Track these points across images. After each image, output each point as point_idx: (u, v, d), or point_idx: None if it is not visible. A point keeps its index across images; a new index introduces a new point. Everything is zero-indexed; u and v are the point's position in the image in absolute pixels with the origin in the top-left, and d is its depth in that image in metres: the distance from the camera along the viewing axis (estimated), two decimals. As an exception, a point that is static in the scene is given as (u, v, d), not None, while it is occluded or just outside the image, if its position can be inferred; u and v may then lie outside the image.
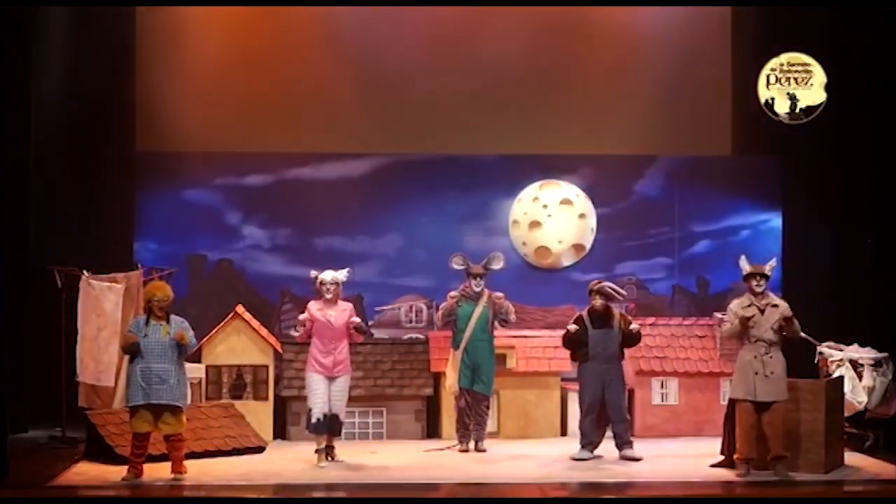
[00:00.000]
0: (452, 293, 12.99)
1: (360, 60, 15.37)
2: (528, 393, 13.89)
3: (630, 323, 12.58)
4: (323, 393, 12.16)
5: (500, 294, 13.00)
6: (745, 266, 11.76)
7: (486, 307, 12.90)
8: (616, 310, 12.61)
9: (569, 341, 12.57)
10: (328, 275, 12.35)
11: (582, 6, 15.30)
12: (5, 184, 11.80)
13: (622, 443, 12.48)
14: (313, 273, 12.41)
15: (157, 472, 11.49)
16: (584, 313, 12.55)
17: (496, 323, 13.03)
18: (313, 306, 12.36)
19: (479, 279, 12.89)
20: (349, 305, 12.46)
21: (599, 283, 12.64)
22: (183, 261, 14.62)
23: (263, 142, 15.26)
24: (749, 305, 11.68)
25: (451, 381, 12.90)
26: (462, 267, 12.94)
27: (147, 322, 11.43)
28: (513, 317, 13.08)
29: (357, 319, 12.38)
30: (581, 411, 12.61)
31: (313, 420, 12.14)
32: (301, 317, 12.37)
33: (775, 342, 11.60)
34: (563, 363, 13.81)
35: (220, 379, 13.57)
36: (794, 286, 14.98)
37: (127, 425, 11.62)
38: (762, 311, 11.63)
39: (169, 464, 11.51)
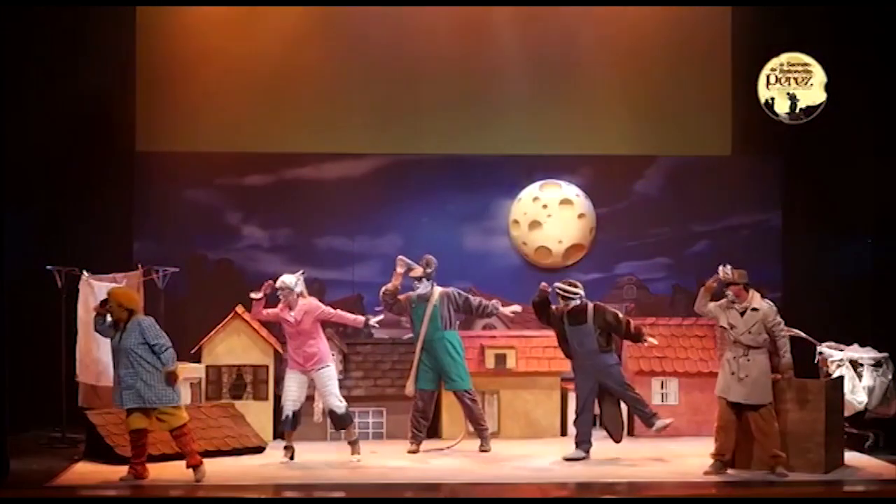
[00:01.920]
0: (397, 275, 12.99)
1: (360, 60, 15.35)
2: (528, 393, 13.90)
3: (607, 313, 12.44)
4: (294, 391, 12.28)
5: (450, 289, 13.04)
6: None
7: (437, 305, 12.92)
8: (590, 305, 12.52)
9: (538, 304, 12.56)
10: (279, 281, 12.34)
11: (582, 6, 15.28)
12: (5, 184, 11.80)
13: (647, 418, 12.52)
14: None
15: (158, 473, 11.49)
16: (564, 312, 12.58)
17: (494, 317, 13.03)
18: (279, 307, 12.40)
19: (419, 281, 12.92)
20: (310, 300, 12.36)
21: (548, 287, 12.56)
22: (183, 261, 14.60)
23: (263, 142, 15.25)
24: (728, 308, 11.75)
25: (408, 382, 12.97)
26: (402, 270, 12.97)
27: (115, 327, 11.36)
28: (475, 300, 13.04)
29: (327, 309, 12.38)
30: (576, 410, 12.62)
31: (282, 417, 12.34)
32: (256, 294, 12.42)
33: (753, 346, 11.60)
34: (563, 363, 13.79)
35: (220, 379, 13.57)
36: (793, 286, 15.00)
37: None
38: (741, 314, 11.67)
39: (172, 463, 11.53)
